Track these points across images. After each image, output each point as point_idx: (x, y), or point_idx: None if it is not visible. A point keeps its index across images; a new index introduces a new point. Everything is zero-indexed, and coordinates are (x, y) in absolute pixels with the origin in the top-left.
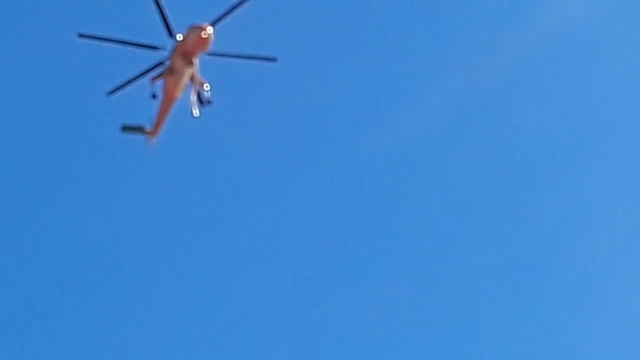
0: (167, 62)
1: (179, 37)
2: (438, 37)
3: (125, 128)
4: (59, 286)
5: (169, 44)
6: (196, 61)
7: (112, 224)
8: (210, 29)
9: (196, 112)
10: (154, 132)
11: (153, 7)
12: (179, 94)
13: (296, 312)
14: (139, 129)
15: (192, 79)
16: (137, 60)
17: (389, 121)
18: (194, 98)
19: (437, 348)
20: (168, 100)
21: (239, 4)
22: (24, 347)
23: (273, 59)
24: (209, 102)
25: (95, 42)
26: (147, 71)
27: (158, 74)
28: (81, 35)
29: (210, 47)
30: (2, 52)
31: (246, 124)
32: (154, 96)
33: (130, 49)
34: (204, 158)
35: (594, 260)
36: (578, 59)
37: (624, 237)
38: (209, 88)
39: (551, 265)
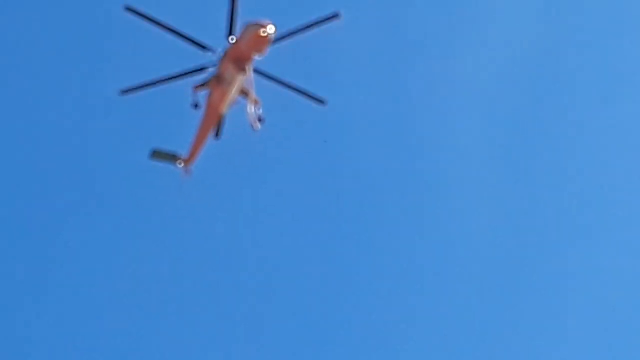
0: (216, 69)
1: (232, 39)
2: None
3: (156, 154)
4: None
5: (221, 48)
6: (250, 69)
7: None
8: (271, 28)
9: (257, 125)
10: (190, 159)
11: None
12: (225, 109)
13: None
14: (171, 157)
15: (243, 93)
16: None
17: None
18: (251, 110)
19: None
20: (212, 115)
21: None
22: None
23: (322, 102)
24: (260, 120)
25: (141, 20)
26: (181, 75)
27: (203, 83)
28: (128, 9)
29: (267, 53)
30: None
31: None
32: (196, 106)
33: (177, 40)
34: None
35: None
36: None
37: None
38: (261, 104)
39: None
